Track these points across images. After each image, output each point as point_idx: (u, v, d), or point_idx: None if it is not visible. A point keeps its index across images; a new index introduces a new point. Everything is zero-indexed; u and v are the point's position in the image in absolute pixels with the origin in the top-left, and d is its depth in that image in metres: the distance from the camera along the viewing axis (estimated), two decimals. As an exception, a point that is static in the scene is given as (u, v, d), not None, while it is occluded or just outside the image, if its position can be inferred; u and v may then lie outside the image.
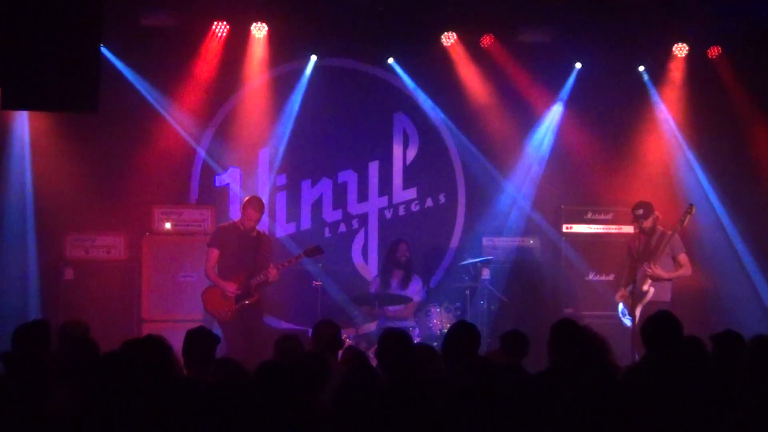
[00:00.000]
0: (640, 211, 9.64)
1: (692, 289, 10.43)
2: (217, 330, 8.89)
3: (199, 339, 5.97)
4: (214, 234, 9.63)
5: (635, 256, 9.61)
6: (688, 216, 9.48)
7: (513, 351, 6.37)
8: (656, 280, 9.47)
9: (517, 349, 6.39)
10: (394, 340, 6.05)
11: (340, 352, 6.72)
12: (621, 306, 9.72)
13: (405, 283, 10.45)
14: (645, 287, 9.45)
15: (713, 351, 5.50)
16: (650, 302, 9.37)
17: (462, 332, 6.05)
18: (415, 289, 10.47)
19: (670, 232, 9.58)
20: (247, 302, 9.18)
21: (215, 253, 9.32)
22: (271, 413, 4.24)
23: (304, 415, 4.52)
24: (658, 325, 5.66)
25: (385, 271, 10.60)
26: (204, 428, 3.87)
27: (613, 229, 11.12)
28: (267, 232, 10.23)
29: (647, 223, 9.62)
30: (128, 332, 9.60)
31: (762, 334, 5.23)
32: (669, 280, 9.60)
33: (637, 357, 8.55)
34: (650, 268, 9.45)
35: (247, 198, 9.65)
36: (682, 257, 9.64)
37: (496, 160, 11.66)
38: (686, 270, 9.68)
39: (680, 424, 4.11)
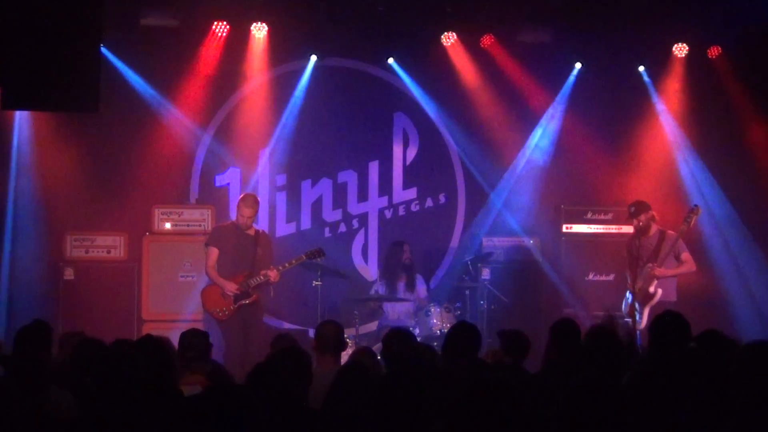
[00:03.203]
0: (632, 209, 9.75)
1: (697, 288, 10.46)
2: (215, 329, 8.90)
3: (194, 340, 5.96)
4: (212, 233, 9.63)
5: (636, 255, 9.63)
6: (694, 217, 9.51)
7: (513, 351, 6.36)
8: (662, 278, 9.49)
9: (517, 349, 6.38)
10: (399, 339, 6.04)
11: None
12: (627, 299, 9.71)
13: (411, 284, 10.47)
14: (652, 289, 9.48)
15: (699, 351, 5.49)
16: (658, 302, 9.40)
17: (462, 332, 6.05)
18: (421, 289, 10.53)
19: (671, 233, 9.61)
20: (245, 302, 9.17)
21: (215, 251, 9.31)
22: (265, 413, 4.23)
23: (298, 414, 4.51)
24: (665, 325, 5.65)
25: (389, 274, 10.55)
26: (201, 428, 3.87)
27: (613, 229, 11.13)
28: (266, 232, 10.23)
29: (639, 221, 9.69)
30: (128, 332, 9.60)
31: (756, 341, 5.22)
32: (674, 276, 9.63)
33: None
34: (655, 268, 9.47)
35: (241, 196, 9.68)
36: (685, 255, 9.70)
37: (496, 159, 11.66)
38: (690, 266, 9.74)
39: (680, 425, 4.11)
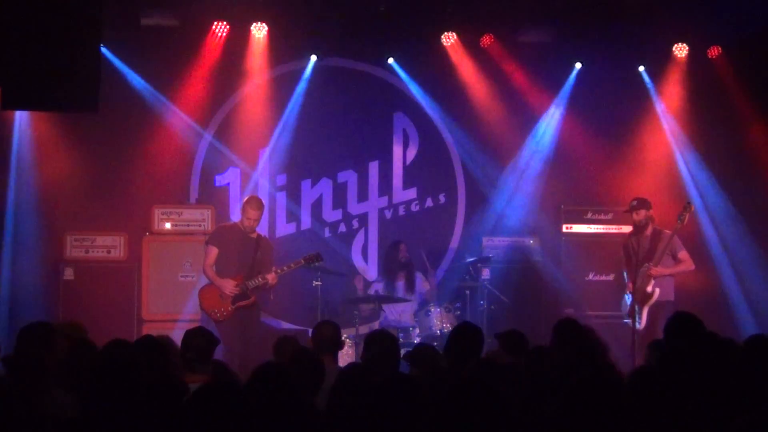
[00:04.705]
0: (634, 203, 9.78)
1: (695, 288, 10.46)
2: (213, 329, 8.89)
3: (196, 339, 5.96)
4: (213, 232, 9.63)
5: (633, 255, 9.65)
6: (687, 214, 9.50)
7: (511, 350, 6.36)
8: (659, 277, 9.48)
9: (515, 349, 6.38)
10: (380, 342, 6.04)
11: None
12: (625, 300, 9.70)
13: (410, 283, 10.49)
14: (649, 288, 9.46)
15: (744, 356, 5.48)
16: (656, 302, 9.38)
17: (466, 333, 6.05)
18: (420, 285, 10.54)
19: (668, 232, 9.60)
20: (243, 304, 9.16)
21: (214, 251, 9.30)
22: (269, 415, 4.23)
23: (303, 416, 4.51)
24: (680, 325, 5.66)
25: (388, 273, 10.60)
26: (200, 429, 3.87)
27: (613, 229, 11.13)
28: (267, 236, 10.23)
29: (638, 216, 9.69)
30: (128, 332, 9.61)
31: (758, 335, 5.21)
32: (672, 275, 9.63)
33: (637, 357, 8.55)
34: (651, 268, 9.46)
35: (246, 198, 9.66)
36: (683, 254, 9.69)
37: (496, 159, 11.66)
38: (688, 265, 9.73)
39: (688, 425, 4.11)
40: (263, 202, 9.65)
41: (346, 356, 9.05)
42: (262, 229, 10.26)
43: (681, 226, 9.54)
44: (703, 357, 4.81)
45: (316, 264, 9.54)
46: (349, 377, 5.05)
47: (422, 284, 10.60)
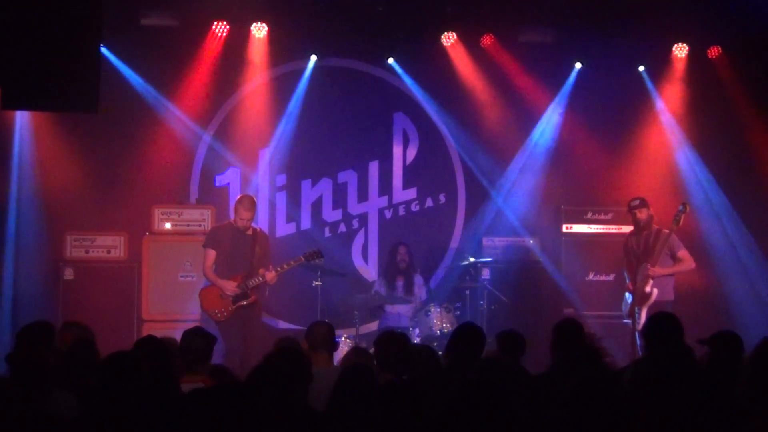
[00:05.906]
0: (636, 202, 9.72)
1: (695, 287, 10.47)
2: (214, 329, 8.89)
3: (195, 339, 5.96)
4: (209, 234, 9.59)
5: (633, 255, 9.64)
6: (683, 215, 9.48)
7: (509, 350, 6.37)
8: (657, 277, 9.46)
9: (513, 349, 6.38)
10: (391, 341, 6.04)
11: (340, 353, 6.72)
12: (626, 299, 9.69)
13: (409, 285, 10.48)
14: (648, 289, 9.44)
15: (711, 353, 5.49)
16: (655, 302, 9.36)
17: (468, 333, 6.05)
18: (419, 291, 10.55)
19: (665, 231, 9.57)
20: (244, 303, 9.15)
21: (212, 253, 9.29)
22: (264, 414, 4.23)
23: (298, 414, 4.51)
24: (657, 326, 5.68)
25: (388, 275, 10.61)
26: (200, 429, 3.87)
27: (613, 229, 11.12)
28: (263, 230, 10.22)
29: (641, 215, 9.64)
30: (128, 332, 9.63)
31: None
32: (671, 275, 9.59)
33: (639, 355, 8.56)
34: (650, 268, 9.45)
35: (238, 197, 9.64)
36: (682, 253, 9.63)
37: (496, 159, 11.66)
38: (688, 264, 9.66)
39: (677, 426, 4.11)
40: (255, 200, 9.60)
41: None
42: (258, 227, 10.24)
43: (676, 228, 9.52)
44: (679, 359, 4.82)
45: (317, 260, 9.52)
46: (351, 378, 5.05)
47: (420, 290, 10.58)
